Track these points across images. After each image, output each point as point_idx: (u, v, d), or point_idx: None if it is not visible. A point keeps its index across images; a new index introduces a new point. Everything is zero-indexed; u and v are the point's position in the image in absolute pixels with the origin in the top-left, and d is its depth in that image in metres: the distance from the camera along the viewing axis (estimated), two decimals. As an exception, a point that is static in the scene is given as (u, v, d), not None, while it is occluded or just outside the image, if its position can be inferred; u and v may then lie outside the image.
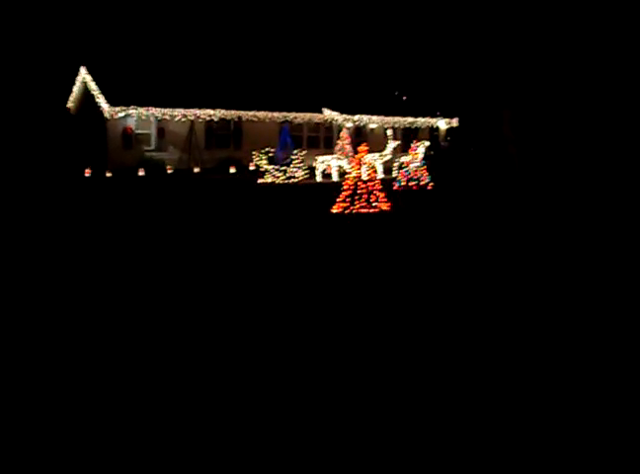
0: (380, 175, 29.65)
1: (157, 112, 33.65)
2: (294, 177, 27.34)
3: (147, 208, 17.77)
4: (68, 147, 37.70)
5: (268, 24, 44.39)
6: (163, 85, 34.83)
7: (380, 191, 16.78)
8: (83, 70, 35.38)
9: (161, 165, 32.60)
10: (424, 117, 41.50)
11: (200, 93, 35.15)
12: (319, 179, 28.14)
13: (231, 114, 35.62)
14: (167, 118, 34.01)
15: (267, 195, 22.83)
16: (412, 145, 23.78)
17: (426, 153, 24.85)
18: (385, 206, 16.47)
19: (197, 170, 33.48)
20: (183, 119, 34.29)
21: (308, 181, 27.49)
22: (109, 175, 31.15)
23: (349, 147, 31.60)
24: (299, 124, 37.38)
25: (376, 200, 16.46)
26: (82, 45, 39.14)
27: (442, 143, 41.56)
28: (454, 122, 42.25)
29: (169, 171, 32.57)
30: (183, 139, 34.31)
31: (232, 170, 33.58)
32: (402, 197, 19.94)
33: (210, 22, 43.22)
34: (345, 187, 16.77)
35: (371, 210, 16.26)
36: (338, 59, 42.42)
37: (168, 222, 14.22)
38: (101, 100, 32.96)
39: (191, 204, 18.79)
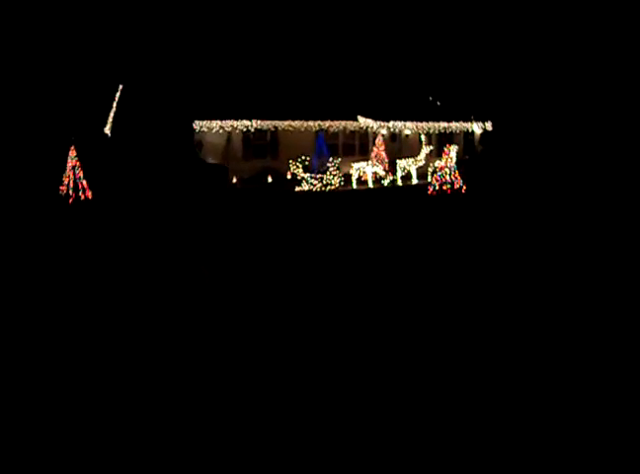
0: (415, 180, 30.04)
1: (195, 124, 34.37)
2: (331, 184, 27.83)
3: (191, 216, 18.35)
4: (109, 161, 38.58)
5: (298, 34, 44.93)
6: (199, 97, 35.55)
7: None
8: (121, 87, 36.41)
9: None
10: (457, 121, 41.71)
11: (235, 104, 35.79)
12: (355, 185, 28.60)
13: (267, 124, 36.17)
14: (205, 129, 34.70)
15: (304, 202, 23.34)
16: (445, 149, 24.12)
17: (458, 157, 25.19)
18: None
19: (234, 180, 34.10)
20: (220, 131, 34.94)
21: (344, 187, 27.96)
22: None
23: (384, 153, 32.06)
24: (335, 133, 37.83)
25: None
26: (118, 61, 40.06)
27: (477, 147, 41.78)
28: (488, 126, 42.41)
29: (208, 182, 33.23)
30: (220, 150, 34.98)
31: (270, 179, 34.15)
32: (436, 200, 20.35)
33: (242, 33, 43.85)
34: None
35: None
36: (371, 67, 42.83)
37: (208, 228, 14.76)
38: (140, 114, 33.84)
39: (231, 212, 19.33)
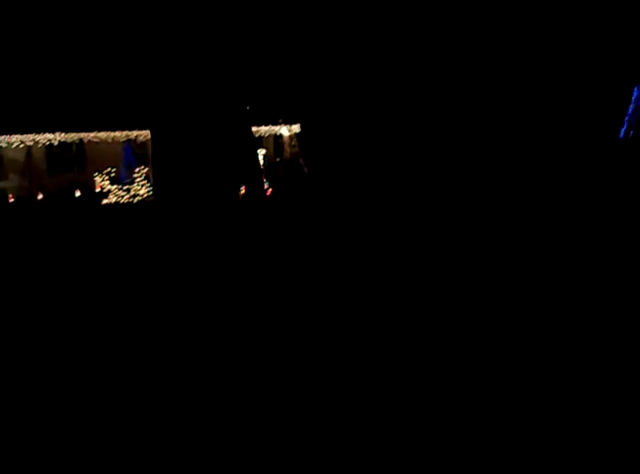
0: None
1: (-8, 140, 32.82)
2: (138, 194, 27.48)
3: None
4: None
5: (103, 42, 43.85)
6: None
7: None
8: None
9: (1, 193, 31.80)
10: (266, 125, 42.25)
11: (37, 117, 34.48)
12: (164, 194, 28.44)
13: (72, 136, 35.09)
14: (3, 145, 33.19)
15: (112, 214, 22.90)
16: (249, 154, 24.48)
17: (268, 160, 25.67)
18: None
19: (40, 196, 32.80)
20: (20, 146, 33.54)
21: (152, 197, 27.68)
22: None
23: (193, 161, 32.02)
24: (143, 142, 37.25)
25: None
26: None
27: (288, 149, 42.55)
28: (296, 129, 43.27)
29: (10, 200, 31.79)
30: (20, 166, 33.57)
31: (78, 193, 33.12)
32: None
33: (47, 37, 42.18)
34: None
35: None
36: (174, 73, 42.50)
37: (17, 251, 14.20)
38: None
39: (36, 231, 18.64)
